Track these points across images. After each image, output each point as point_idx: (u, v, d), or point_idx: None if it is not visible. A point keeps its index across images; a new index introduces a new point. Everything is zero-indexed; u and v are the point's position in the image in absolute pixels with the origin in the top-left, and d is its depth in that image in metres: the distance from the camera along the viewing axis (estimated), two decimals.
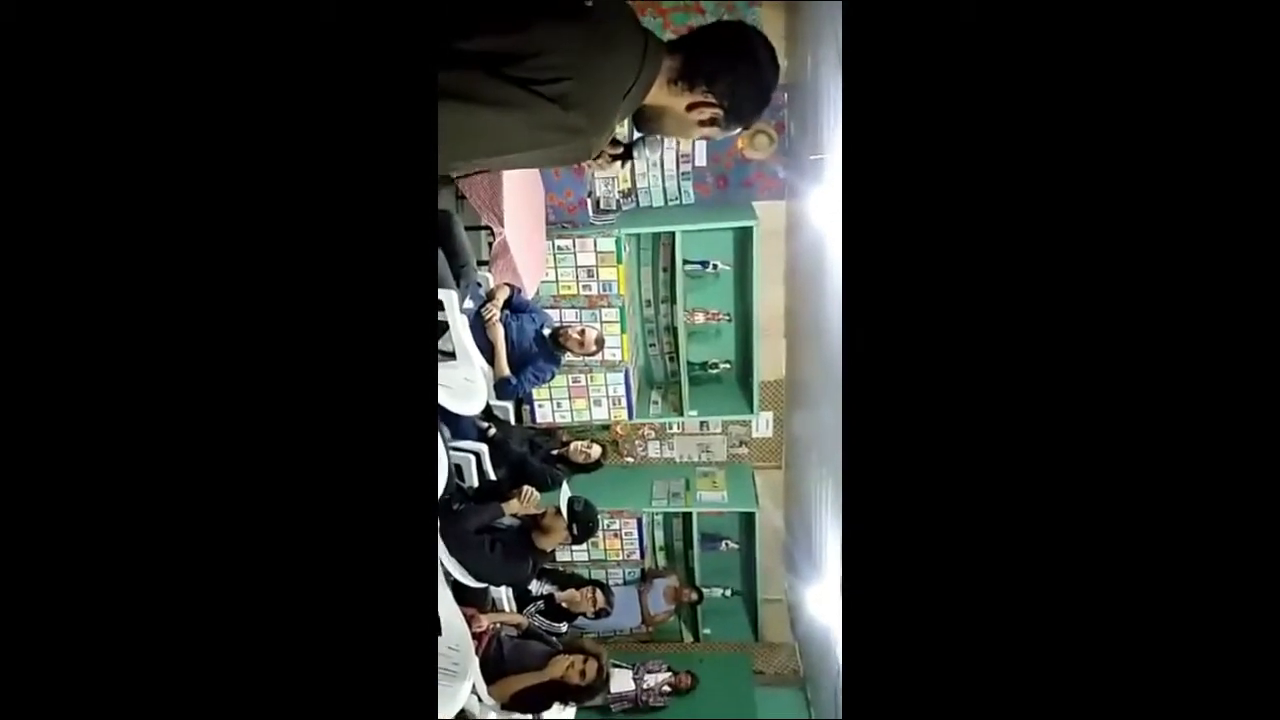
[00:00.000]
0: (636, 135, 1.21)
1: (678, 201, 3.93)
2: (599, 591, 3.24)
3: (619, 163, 1.20)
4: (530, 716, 2.58)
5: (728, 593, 4.57)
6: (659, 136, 1.17)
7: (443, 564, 2.49)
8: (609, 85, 0.98)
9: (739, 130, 1.13)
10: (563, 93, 0.91)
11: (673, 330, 4.08)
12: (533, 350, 3.04)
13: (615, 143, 1.20)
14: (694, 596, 4.32)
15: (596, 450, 3.25)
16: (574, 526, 2.72)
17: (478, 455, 2.83)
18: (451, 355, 2.66)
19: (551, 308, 3.67)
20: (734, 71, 1.06)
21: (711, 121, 1.08)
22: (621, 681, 3.88)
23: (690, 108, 1.06)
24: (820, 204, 2.69)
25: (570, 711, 2.79)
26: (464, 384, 2.66)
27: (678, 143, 3.70)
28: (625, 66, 1.00)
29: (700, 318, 4.05)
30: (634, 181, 3.85)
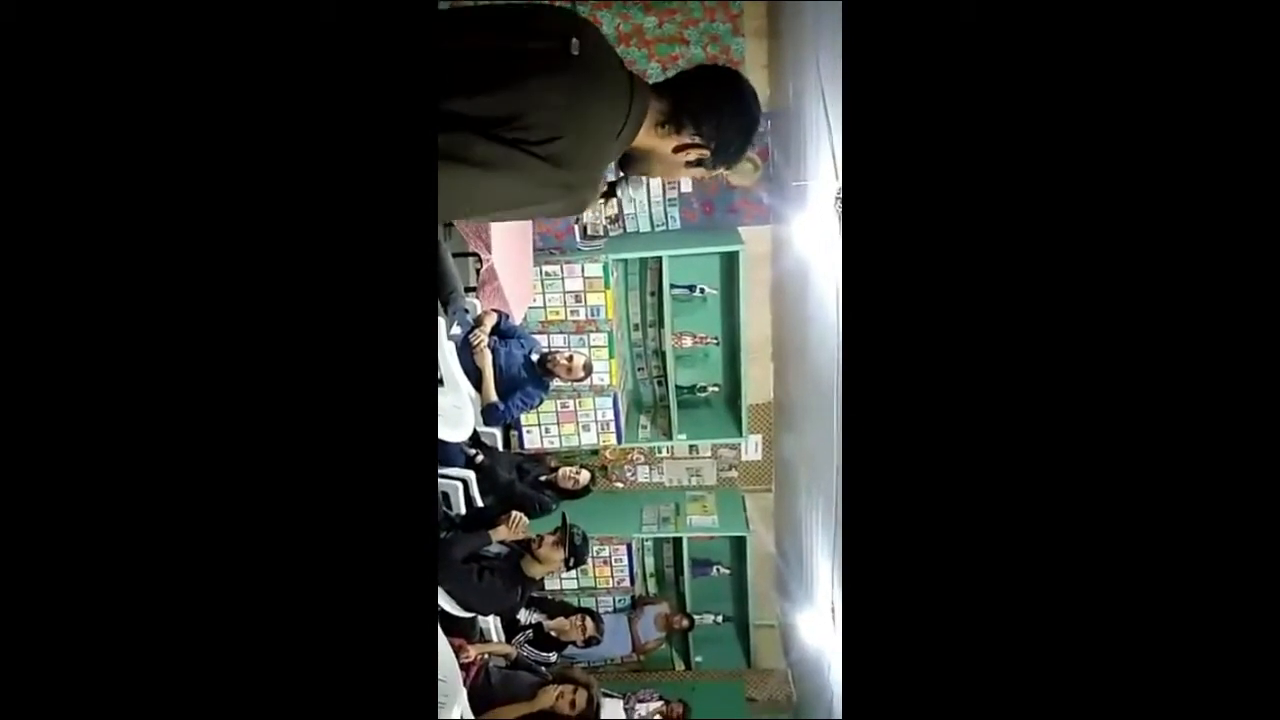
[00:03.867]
0: (620, 175, 1.23)
1: (664, 227, 3.96)
2: (589, 620, 3.20)
3: (603, 200, 1.22)
4: None
5: (719, 619, 4.52)
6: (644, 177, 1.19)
7: None
8: (600, 135, 1.00)
9: (724, 168, 1.15)
10: (555, 152, 0.93)
11: (661, 354, 4.08)
12: (521, 376, 3.04)
13: None
14: (685, 623, 4.27)
15: (585, 476, 3.23)
16: (570, 558, 2.70)
17: (465, 482, 2.81)
18: (439, 382, 2.65)
19: (539, 333, 3.67)
20: (720, 113, 1.08)
21: (698, 162, 1.10)
22: (612, 711, 3.80)
23: (677, 149, 1.08)
24: (804, 228, 2.72)
25: None
26: (452, 410, 2.65)
27: None
28: (614, 111, 1.01)
29: (688, 341, 4.06)
30: (621, 208, 3.88)
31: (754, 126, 1.11)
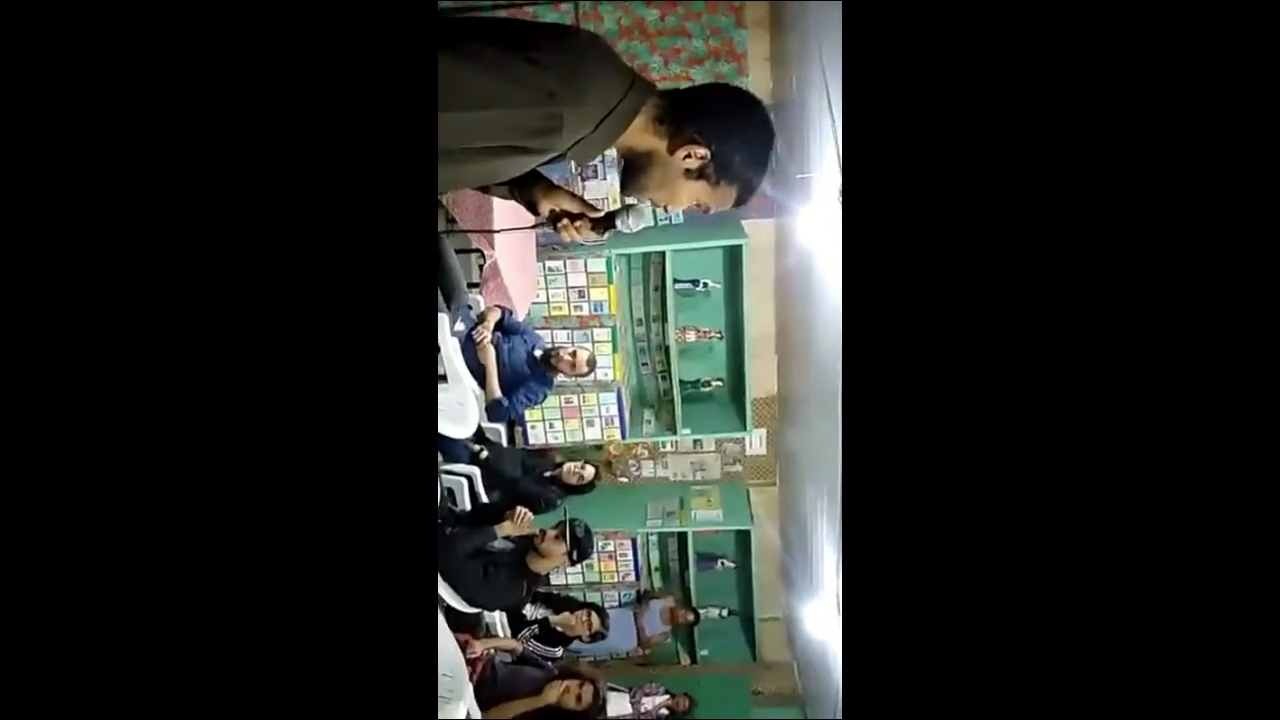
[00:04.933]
0: (622, 203, 1.19)
1: (667, 221, 3.95)
2: (594, 614, 3.21)
3: (599, 231, 1.19)
4: None
5: (724, 613, 4.54)
6: (644, 204, 1.16)
7: None
8: (592, 84, 0.98)
9: (732, 195, 1.08)
10: (542, 59, 0.94)
11: (665, 349, 4.08)
12: (524, 372, 3.04)
13: (593, 208, 1.20)
14: (691, 617, 4.28)
15: (590, 471, 3.23)
16: (573, 552, 2.70)
17: (470, 478, 2.81)
18: (443, 378, 2.65)
19: (543, 329, 3.67)
20: (724, 121, 1.04)
21: (700, 173, 1.05)
22: (618, 705, 3.82)
23: (674, 149, 1.04)
24: (808, 221, 2.71)
25: None
26: (456, 407, 2.65)
27: None
28: (612, 81, 1.00)
29: (692, 335, 4.06)
30: (624, 202, 3.88)
31: (760, 142, 1.07)
